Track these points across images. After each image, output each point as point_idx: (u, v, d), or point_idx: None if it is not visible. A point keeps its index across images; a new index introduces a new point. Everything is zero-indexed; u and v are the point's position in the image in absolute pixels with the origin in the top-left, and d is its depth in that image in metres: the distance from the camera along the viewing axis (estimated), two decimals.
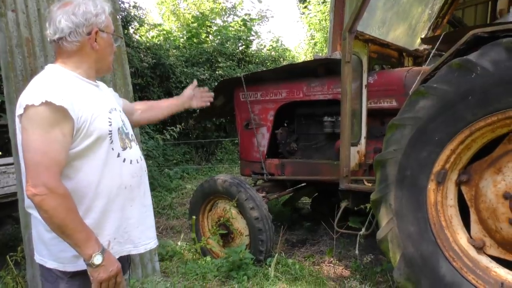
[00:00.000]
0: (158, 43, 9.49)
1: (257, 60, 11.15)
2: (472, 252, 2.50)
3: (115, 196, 1.63)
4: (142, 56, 8.07)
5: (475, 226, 2.52)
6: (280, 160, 4.12)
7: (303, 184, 4.52)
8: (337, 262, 3.75)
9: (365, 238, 3.33)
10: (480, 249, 2.50)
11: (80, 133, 1.52)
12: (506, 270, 2.40)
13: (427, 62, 3.23)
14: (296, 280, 3.31)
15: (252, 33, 11.39)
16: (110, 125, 1.62)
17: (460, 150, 2.46)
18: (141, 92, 8.29)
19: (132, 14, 8.73)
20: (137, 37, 9.27)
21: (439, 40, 3.08)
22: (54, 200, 1.40)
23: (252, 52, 11.34)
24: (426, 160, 2.51)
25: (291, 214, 5.31)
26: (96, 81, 1.76)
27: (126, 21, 8.28)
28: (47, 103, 1.41)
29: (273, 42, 12.46)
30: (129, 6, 8.65)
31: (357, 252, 3.19)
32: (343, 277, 3.40)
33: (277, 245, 3.93)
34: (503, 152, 2.40)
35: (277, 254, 3.57)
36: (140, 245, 1.75)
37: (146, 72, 8.15)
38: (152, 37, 10.79)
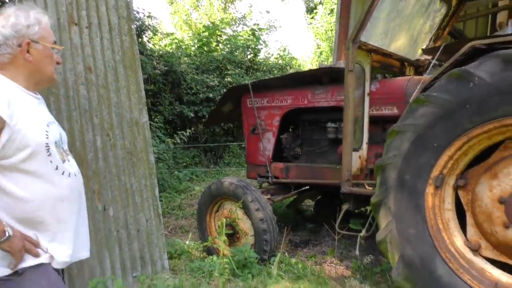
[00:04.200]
0: (171, 51, 9.72)
1: (264, 68, 11.35)
2: (468, 253, 2.60)
3: (52, 208, 1.62)
4: (155, 63, 8.29)
5: (471, 229, 2.63)
6: (285, 164, 4.25)
7: (306, 187, 4.65)
8: (339, 262, 3.86)
9: (365, 239, 3.44)
10: (475, 251, 2.60)
11: (14, 142, 1.50)
12: (500, 271, 2.50)
13: (427, 71, 3.35)
14: (299, 279, 3.43)
15: (260, 42, 11.60)
16: (47, 137, 1.61)
17: (458, 156, 2.57)
18: (153, 98, 8.50)
19: (147, 23, 8.96)
20: (150, 45, 9.50)
21: (439, 51, 3.21)
22: None
23: (260, 60, 11.55)
24: (424, 165, 2.62)
25: (294, 215, 5.43)
26: (37, 93, 1.76)
27: (141, 30, 8.52)
28: None
29: (280, 51, 12.69)
30: (144, 16, 8.89)
31: (357, 252, 3.30)
32: (344, 277, 3.52)
33: (281, 245, 4.05)
34: (499, 158, 2.51)
35: (279, 254, 3.69)
36: (75, 257, 1.76)
37: (159, 78, 8.37)
38: (165, 45, 11.04)
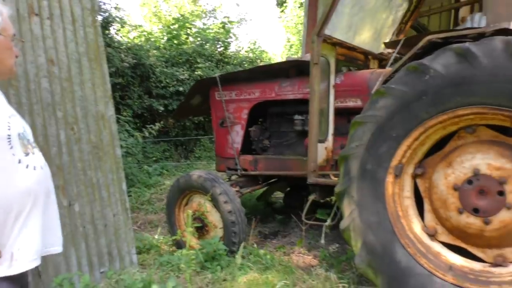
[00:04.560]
0: (139, 43, 9.57)
1: (235, 61, 11.36)
2: (425, 239, 2.72)
3: (18, 204, 1.58)
4: (123, 56, 8.16)
5: (428, 215, 2.75)
6: (253, 157, 4.30)
7: (275, 179, 4.71)
8: (306, 252, 3.95)
9: (332, 229, 3.54)
10: (432, 236, 2.72)
11: None
12: (455, 255, 2.63)
13: (389, 64, 3.46)
14: (267, 269, 3.49)
15: (231, 35, 11.58)
16: (9, 129, 1.57)
17: (416, 145, 2.67)
18: (121, 91, 8.36)
19: (114, 15, 8.78)
20: (118, 37, 9.32)
21: (400, 44, 3.32)
22: None
23: (231, 54, 11.55)
24: (384, 155, 2.71)
25: (264, 208, 5.51)
26: None
27: (107, 22, 8.34)
28: None
29: (251, 44, 12.72)
30: (111, 7, 8.73)
31: (322, 241, 3.39)
32: (311, 266, 3.60)
33: (249, 236, 4.10)
34: (453, 147, 2.63)
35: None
36: (44, 252, 1.73)
37: (127, 71, 8.24)
38: (134, 38, 10.85)
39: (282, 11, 16.15)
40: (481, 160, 2.48)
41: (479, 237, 2.53)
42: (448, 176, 2.61)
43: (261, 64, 12.16)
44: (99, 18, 7.59)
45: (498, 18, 2.46)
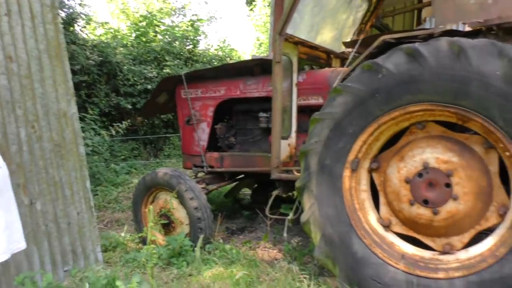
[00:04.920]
0: (106, 41, 9.43)
1: (204, 59, 11.34)
2: (380, 230, 2.86)
3: None
4: (88, 53, 8.02)
5: (383, 208, 2.89)
6: (220, 154, 4.36)
7: (241, 176, 4.78)
8: (271, 246, 4.05)
9: (296, 223, 3.63)
10: (387, 227, 2.86)
11: None
12: (407, 244, 2.78)
13: (347, 63, 3.59)
14: (232, 263, 3.56)
15: (200, 33, 11.55)
16: None
17: (371, 141, 2.80)
18: (87, 89, 8.22)
19: (79, 12, 8.62)
20: (84, 34, 9.15)
21: (358, 44, 3.45)
22: None
23: (200, 52, 11.53)
24: (341, 150, 2.83)
25: (232, 204, 5.57)
26: None
27: (72, 19, 8.18)
28: None
29: (220, 42, 12.72)
30: (75, 3, 8.56)
31: (285, 235, 3.49)
32: (275, 259, 3.70)
33: (215, 232, 4.16)
34: (405, 143, 2.78)
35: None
36: (11, 250, 1.75)
37: (93, 69, 8.11)
38: (100, 35, 10.66)
39: (251, 9, 16.28)
40: (430, 154, 2.63)
41: (429, 227, 2.69)
42: (400, 170, 2.75)
43: (231, 62, 12.23)
44: (62, 14, 7.40)
45: (445, 20, 2.61)
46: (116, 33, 10.93)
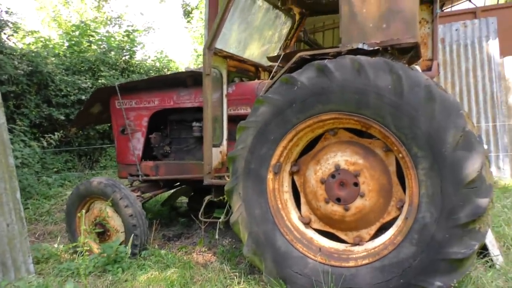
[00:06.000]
0: (36, 50, 9.10)
1: (141, 70, 11.28)
2: (301, 227, 3.17)
3: None
4: (17, 63, 7.72)
5: (303, 207, 3.21)
6: (155, 162, 4.49)
7: (177, 184, 4.94)
8: (206, 250, 4.23)
9: (229, 227, 3.85)
10: (307, 224, 3.18)
11: None
12: (324, 239, 3.11)
13: (270, 76, 3.91)
14: (167, 268, 3.70)
15: (136, 44, 11.48)
16: None
17: (290, 146, 3.12)
18: (16, 100, 7.90)
19: (5, 19, 8.28)
20: (10, 43, 8.77)
21: (280, 59, 3.79)
22: None
23: (137, 62, 11.45)
24: (265, 155, 3.11)
25: (169, 212, 5.69)
26: None
27: None
28: None
29: (158, 53, 12.70)
30: (1, 11, 8.21)
31: (217, 237, 3.71)
32: (209, 261, 3.89)
33: (152, 239, 4.27)
34: (321, 147, 3.13)
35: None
36: None
37: (22, 79, 7.82)
38: (29, 43, 10.25)
39: (189, 21, 16.43)
40: (340, 157, 2.99)
41: (342, 222, 3.04)
42: (317, 172, 3.09)
43: (168, 73, 12.27)
44: None
45: (350, 40, 3.00)
46: (47, 42, 10.58)
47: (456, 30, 7.77)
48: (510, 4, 10.28)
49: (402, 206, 2.85)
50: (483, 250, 3.31)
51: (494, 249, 3.35)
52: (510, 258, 3.41)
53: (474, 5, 9.48)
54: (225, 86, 4.00)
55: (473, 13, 8.86)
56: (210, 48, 3.66)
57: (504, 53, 7.56)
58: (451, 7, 11.88)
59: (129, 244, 3.84)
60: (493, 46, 7.46)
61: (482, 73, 7.52)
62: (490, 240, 3.34)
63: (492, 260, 3.26)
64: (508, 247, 3.66)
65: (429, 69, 3.95)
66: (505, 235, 3.87)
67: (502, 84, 7.39)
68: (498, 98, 7.35)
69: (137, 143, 4.57)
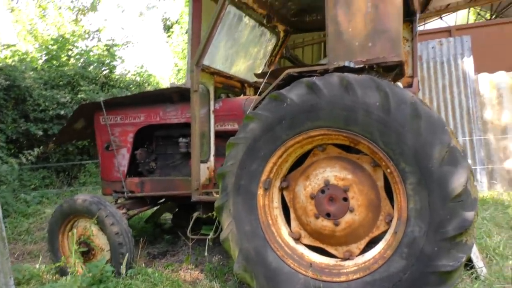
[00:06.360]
0: (12, 64, 8.93)
1: (121, 84, 11.19)
2: (292, 242, 3.17)
3: None
4: None
5: (293, 222, 3.23)
6: (140, 179, 4.44)
7: (162, 200, 4.89)
8: (194, 267, 4.18)
9: (217, 243, 3.82)
10: (297, 239, 3.19)
11: None
12: (315, 254, 3.12)
13: (258, 92, 3.96)
14: (155, 286, 3.64)
15: (117, 58, 11.41)
16: None
17: (280, 162, 3.14)
18: None
19: None
20: None
21: (267, 75, 3.84)
22: None
23: (117, 77, 11.36)
24: (255, 171, 3.12)
25: (153, 229, 5.60)
26: None
27: None
28: None
29: (138, 67, 12.66)
30: None
31: (206, 254, 3.67)
32: (197, 279, 3.85)
33: (137, 257, 4.19)
34: (310, 163, 3.16)
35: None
36: None
37: None
38: (5, 57, 10.05)
39: (169, 36, 16.46)
40: (330, 173, 3.03)
41: (332, 237, 3.06)
42: (306, 187, 3.12)
43: (149, 88, 12.20)
44: None
45: (337, 57, 3.08)
46: (24, 56, 10.40)
47: (432, 48, 8.04)
48: (483, 23, 10.75)
49: (390, 221, 2.90)
50: (468, 262, 3.39)
51: (478, 261, 3.43)
52: (493, 269, 3.50)
53: (447, 23, 9.88)
54: (212, 102, 4.02)
55: (448, 32, 9.21)
56: (198, 64, 3.69)
57: (478, 70, 7.86)
58: (424, 24, 12.32)
59: (116, 263, 3.76)
60: (468, 63, 7.75)
61: (458, 89, 7.78)
62: (474, 252, 3.42)
63: (477, 272, 3.34)
64: (491, 259, 3.76)
65: (410, 85, 4.07)
66: (487, 247, 3.97)
67: (477, 99, 7.66)
68: (474, 114, 7.60)
69: (122, 159, 4.52)
